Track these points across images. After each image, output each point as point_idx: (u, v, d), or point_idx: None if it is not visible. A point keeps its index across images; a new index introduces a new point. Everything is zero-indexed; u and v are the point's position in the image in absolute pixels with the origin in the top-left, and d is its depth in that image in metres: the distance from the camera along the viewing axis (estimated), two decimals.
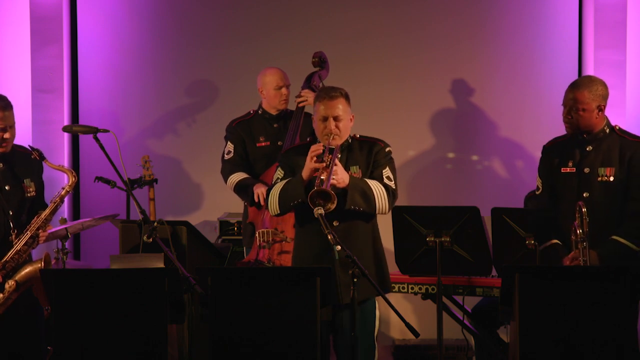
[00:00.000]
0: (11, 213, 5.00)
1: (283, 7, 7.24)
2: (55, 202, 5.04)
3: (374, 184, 4.80)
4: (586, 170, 4.96)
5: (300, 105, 6.12)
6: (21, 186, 5.09)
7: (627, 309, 4.38)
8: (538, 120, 7.18)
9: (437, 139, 7.25)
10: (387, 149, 4.94)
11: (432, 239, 5.53)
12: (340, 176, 4.71)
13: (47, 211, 5.02)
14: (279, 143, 6.11)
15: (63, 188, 5.08)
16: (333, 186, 4.65)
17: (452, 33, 7.18)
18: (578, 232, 4.73)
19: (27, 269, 4.95)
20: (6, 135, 5.01)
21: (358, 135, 4.98)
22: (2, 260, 4.91)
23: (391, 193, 4.84)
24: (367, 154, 4.90)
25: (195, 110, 7.28)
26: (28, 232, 4.97)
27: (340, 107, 4.82)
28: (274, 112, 6.20)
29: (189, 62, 7.26)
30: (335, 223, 4.57)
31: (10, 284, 4.89)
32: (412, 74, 7.21)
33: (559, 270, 4.64)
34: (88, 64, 7.23)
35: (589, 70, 6.90)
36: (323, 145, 4.77)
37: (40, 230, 5.00)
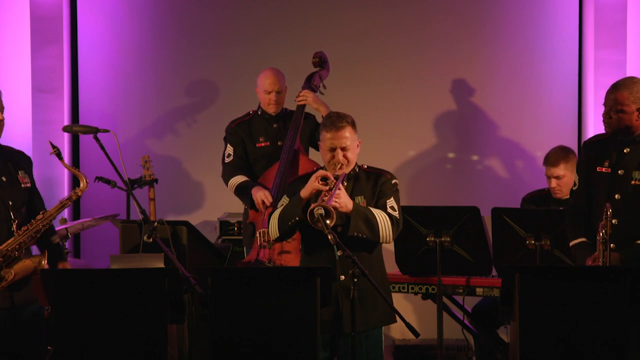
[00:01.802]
0: (10, 203, 5.00)
1: (283, 7, 7.24)
2: (63, 202, 5.03)
3: (377, 212, 4.75)
4: (620, 172, 4.90)
5: (300, 104, 6.11)
6: (17, 177, 5.08)
7: (627, 309, 4.38)
8: (538, 120, 7.18)
9: (437, 139, 7.26)
10: (394, 181, 4.88)
11: (432, 239, 5.54)
12: (343, 200, 4.67)
13: (53, 210, 5.01)
14: (278, 143, 6.10)
15: (74, 191, 5.07)
16: (336, 210, 4.61)
17: (452, 33, 7.18)
18: (601, 233, 4.70)
19: (26, 262, 4.94)
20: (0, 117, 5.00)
21: (365, 166, 4.93)
22: (6, 248, 4.90)
23: (395, 222, 4.78)
24: (373, 184, 4.85)
25: (195, 110, 7.29)
26: (33, 226, 4.96)
27: (347, 136, 4.78)
28: (271, 112, 6.20)
29: (189, 62, 7.26)
30: (339, 253, 4.53)
31: (10, 273, 4.88)
32: (412, 74, 7.22)
33: (559, 270, 4.64)
34: (88, 64, 7.23)
35: (589, 70, 6.91)
36: (333, 176, 4.72)
37: (44, 228, 5.01)
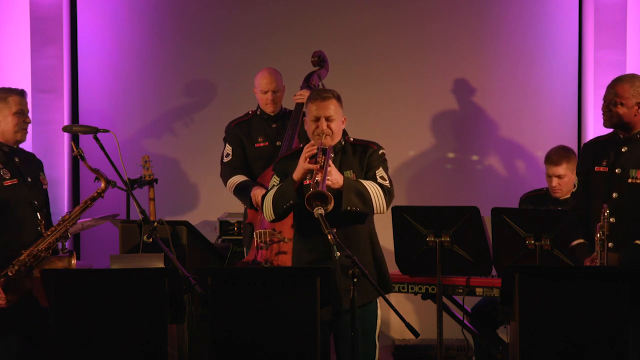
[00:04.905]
0: (36, 203, 5.07)
1: (283, 7, 7.24)
2: (86, 203, 5.12)
3: (369, 184, 4.79)
4: (618, 170, 4.92)
5: (298, 101, 6.11)
6: (39, 179, 5.18)
7: (627, 309, 4.37)
8: (538, 120, 7.18)
9: (437, 138, 7.25)
10: (381, 152, 4.92)
11: (432, 239, 5.53)
12: (335, 177, 4.70)
13: (77, 210, 5.12)
14: (277, 143, 6.11)
15: (96, 192, 5.14)
16: (328, 187, 4.64)
17: (452, 33, 7.18)
18: (598, 234, 4.72)
19: (56, 263, 5.02)
20: (27, 120, 5.10)
21: (352, 139, 4.97)
22: (36, 249, 4.95)
23: (387, 192, 4.82)
24: (361, 157, 4.89)
25: (195, 110, 7.28)
26: (61, 227, 5.04)
27: (332, 108, 4.82)
28: (269, 112, 6.20)
29: (189, 62, 7.26)
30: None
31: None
32: (412, 74, 7.21)
33: (559, 270, 4.64)
34: (88, 64, 7.23)
35: (589, 70, 6.91)
36: (320, 149, 4.76)
37: (70, 227, 5.10)
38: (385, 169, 4.90)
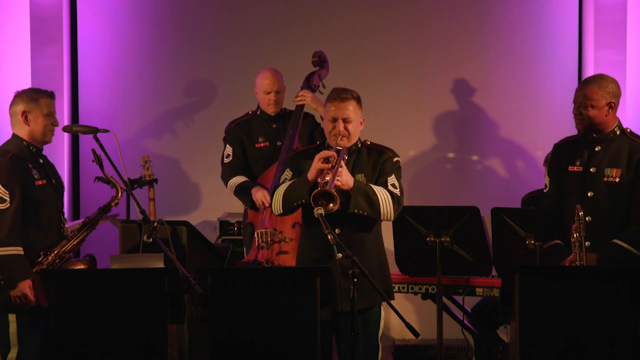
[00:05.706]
0: (59, 206, 5.12)
1: (283, 7, 7.24)
2: (104, 208, 5.17)
3: (378, 190, 4.77)
4: (592, 169, 4.94)
5: (299, 104, 6.11)
6: (61, 181, 5.22)
7: (627, 309, 4.37)
8: (538, 120, 7.19)
9: (437, 138, 7.25)
10: (395, 159, 4.90)
11: (432, 239, 5.54)
12: (345, 178, 4.69)
13: (97, 215, 5.19)
14: (278, 143, 6.10)
15: (112, 198, 5.20)
16: (337, 188, 4.64)
17: (452, 33, 7.18)
18: (575, 235, 4.72)
19: (79, 265, 5.06)
20: (55, 123, 5.14)
21: (369, 142, 4.95)
22: (62, 250, 5.00)
23: (396, 200, 4.79)
24: (375, 162, 4.88)
25: (195, 110, 7.29)
26: (83, 231, 5.10)
27: (350, 109, 4.81)
28: (271, 112, 6.20)
29: (189, 62, 7.26)
30: (337, 230, 4.55)
31: None
32: (412, 74, 7.22)
33: (559, 270, 4.64)
34: (88, 64, 7.23)
35: (589, 70, 6.91)
36: (335, 150, 4.74)
37: (91, 231, 5.18)
38: (398, 177, 4.87)
